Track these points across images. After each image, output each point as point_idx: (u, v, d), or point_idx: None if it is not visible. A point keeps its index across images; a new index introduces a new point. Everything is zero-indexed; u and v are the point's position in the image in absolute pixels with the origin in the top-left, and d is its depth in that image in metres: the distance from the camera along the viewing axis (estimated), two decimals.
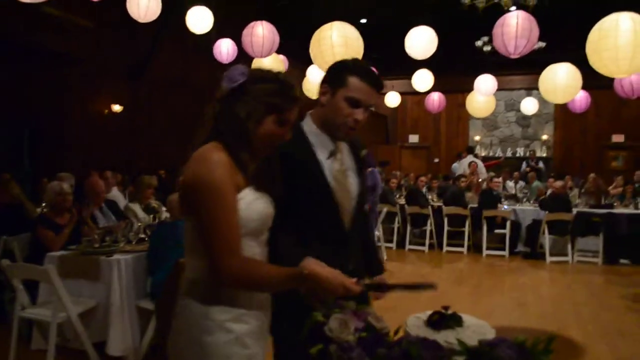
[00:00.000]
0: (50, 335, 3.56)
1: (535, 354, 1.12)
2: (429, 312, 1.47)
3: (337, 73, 1.82)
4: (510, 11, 5.53)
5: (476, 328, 1.40)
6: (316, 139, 1.83)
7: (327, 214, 1.82)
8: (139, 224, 4.64)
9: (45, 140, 8.87)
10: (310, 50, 5.90)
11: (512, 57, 5.58)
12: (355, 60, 1.87)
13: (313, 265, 1.46)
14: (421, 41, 6.27)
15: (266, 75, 1.57)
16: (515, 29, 5.33)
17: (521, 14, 5.36)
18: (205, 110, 1.58)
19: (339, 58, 5.91)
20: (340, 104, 1.77)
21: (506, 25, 5.42)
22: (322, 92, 1.84)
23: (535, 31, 5.38)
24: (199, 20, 7.07)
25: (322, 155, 1.83)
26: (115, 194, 6.65)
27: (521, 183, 11.80)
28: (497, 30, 5.51)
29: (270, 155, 1.60)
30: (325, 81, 1.84)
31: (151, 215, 4.96)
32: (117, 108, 10.28)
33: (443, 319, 1.40)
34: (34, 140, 8.79)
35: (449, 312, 1.43)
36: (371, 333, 1.22)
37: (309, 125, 1.87)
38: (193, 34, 7.33)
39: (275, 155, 1.62)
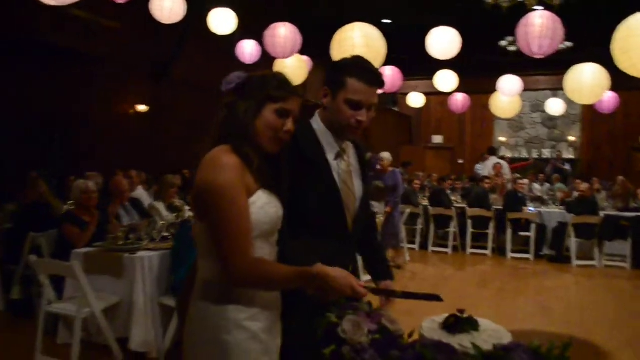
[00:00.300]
0: (75, 330, 3.64)
1: (551, 359, 1.11)
2: (445, 316, 1.46)
3: (336, 75, 1.81)
4: (534, 10, 5.45)
5: (492, 332, 1.38)
6: (324, 138, 1.83)
7: (332, 214, 1.82)
8: (163, 223, 4.71)
9: (73, 139, 9.05)
10: (332, 51, 5.91)
11: (536, 57, 5.51)
12: (353, 59, 1.85)
13: (322, 265, 1.48)
14: (443, 41, 6.23)
15: (265, 75, 1.63)
16: (539, 29, 5.27)
17: (545, 13, 5.29)
18: (214, 118, 1.63)
19: None
20: (341, 106, 1.76)
21: (530, 25, 5.36)
22: (323, 95, 1.84)
23: (560, 30, 5.31)
24: (222, 21, 7.15)
25: (330, 155, 1.84)
26: (140, 192, 6.75)
27: (547, 185, 11.62)
28: (520, 30, 5.45)
29: (278, 153, 1.61)
30: (325, 83, 1.83)
31: (174, 214, 5.02)
32: (141, 108, 10.44)
33: (458, 323, 1.39)
34: (62, 140, 8.97)
35: (465, 315, 1.41)
36: (385, 335, 1.22)
37: (318, 124, 1.87)
38: (217, 35, 7.41)
39: (282, 155, 1.63)
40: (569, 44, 11.89)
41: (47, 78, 8.42)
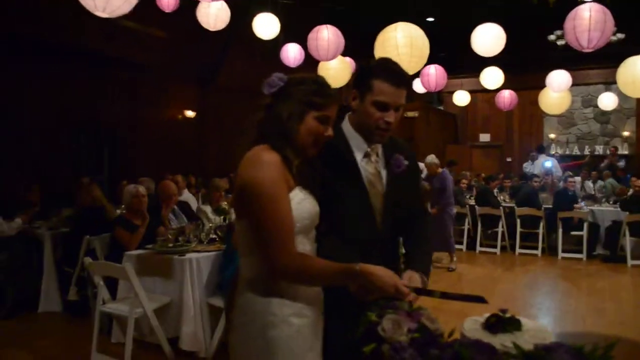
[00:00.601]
0: (128, 329, 3.78)
1: (594, 359, 1.09)
2: (487, 315, 1.45)
3: (363, 78, 1.82)
4: (583, 2, 5.27)
5: (535, 332, 1.36)
6: (353, 141, 1.85)
7: (360, 213, 1.83)
8: (210, 225, 4.82)
9: (122, 145, 9.38)
10: (375, 52, 5.89)
11: (586, 51, 5.32)
12: (379, 61, 1.86)
13: (365, 264, 1.50)
14: (487, 38, 6.11)
15: (304, 78, 1.65)
16: (588, 22, 5.09)
17: (594, 5, 5.11)
18: (249, 118, 1.67)
19: (404, 59, 5.82)
20: (369, 108, 1.78)
21: (578, 18, 5.18)
22: (352, 98, 1.85)
23: (610, 23, 5.11)
24: (266, 26, 7.24)
25: (358, 156, 1.86)
26: (188, 196, 6.93)
27: (600, 182, 11.20)
28: (568, 23, 5.28)
29: (314, 156, 1.65)
30: (354, 86, 1.85)
31: (221, 217, 5.14)
32: (189, 114, 10.72)
33: (500, 322, 1.37)
34: (112, 146, 9.32)
35: (507, 315, 1.39)
36: (424, 334, 1.23)
37: (347, 127, 1.90)
38: (261, 40, 7.53)
39: (316, 157, 1.66)
40: (620, 35, 11.45)
41: (98, 86, 8.77)
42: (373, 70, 1.80)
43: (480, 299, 1.51)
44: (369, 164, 1.87)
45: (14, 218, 5.21)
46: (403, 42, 5.79)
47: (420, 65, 5.87)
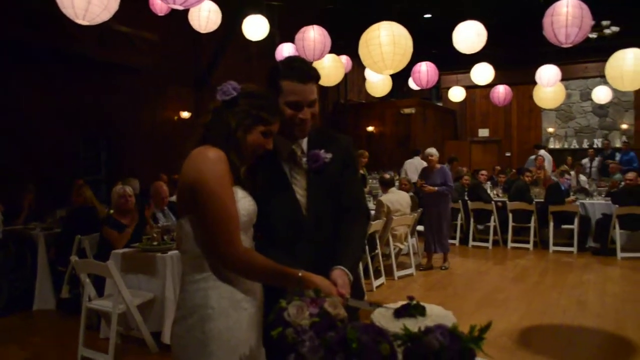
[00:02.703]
0: (112, 324, 3.94)
1: (466, 340, 1.20)
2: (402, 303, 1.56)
3: (272, 81, 1.84)
4: None
5: (437, 318, 1.47)
6: (276, 140, 1.83)
7: (288, 214, 1.89)
8: None
9: (120, 146, 9.56)
10: (359, 51, 6.00)
11: (564, 46, 5.40)
12: (284, 61, 1.88)
13: (307, 272, 1.62)
14: (469, 35, 6.19)
15: (256, 92, 1.75)
16: (565, 18, 5.17)
17: (571, 1, 5.18)
18: (197, 120, 1.77)
19: (387, 57, 5.89)
20: (283, 109, 1.81)
21: (556, 14, 5.27)
22: None
23: (588, 19, 5.19)
24: (255, 27, 7.36)
25: (283, 155, 1.91)
26: None
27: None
28: (546, 19, 5.37)
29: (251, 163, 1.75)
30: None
31: None
32: (185, 115, 10.87)
33: (406, 309, 1.49)
34: (109, 147, 9.50)
35: (414, 302, 1.51)
36: (324, 318, 1.35)
37: None
38: (257, 41, 7.66)
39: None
40: (615, 28, 11.47)
41: (95, 89, 8.94)
42: (279, 72, 1.83)
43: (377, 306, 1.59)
44: (293, 162, 1.92)
45: None
46: (386, 41, 5.87)
47: (404, 63, 5.95)
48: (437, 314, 1.53)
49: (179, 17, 6.82)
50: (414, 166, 10.91)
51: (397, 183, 7.79)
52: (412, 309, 1.50)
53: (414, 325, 1.36)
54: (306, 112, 1.84)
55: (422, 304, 1.52)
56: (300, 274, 1.60)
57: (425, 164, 7.79)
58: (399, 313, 1.49)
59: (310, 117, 1.85)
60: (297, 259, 1.76)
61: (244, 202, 1.69)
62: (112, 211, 5.02)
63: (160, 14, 6.60)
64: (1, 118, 7.67)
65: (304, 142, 1.95)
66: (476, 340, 1.21)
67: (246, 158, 1.72)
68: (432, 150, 7.24)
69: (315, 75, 1.85)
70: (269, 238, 1.85)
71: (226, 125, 1.69)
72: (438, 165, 7.18)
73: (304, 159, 1.93)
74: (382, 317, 1.49)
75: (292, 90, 1.81)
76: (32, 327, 5.07)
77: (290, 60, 1.89)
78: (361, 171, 8.49)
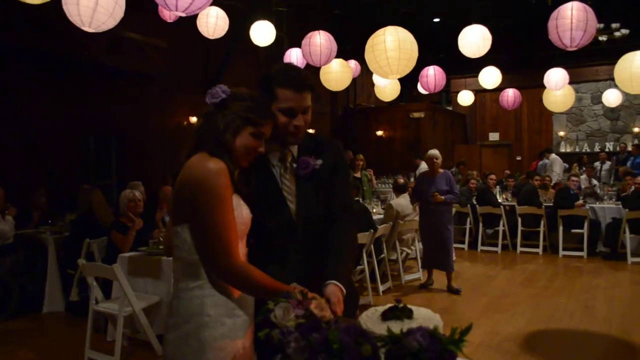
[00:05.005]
0: (118, 327, 3.99)
1: (445, 342, 1.22)
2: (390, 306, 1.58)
3: (266, 87, 1.86)
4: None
5: (424, 320, 1.49)
6: (268, 146, 1.85)
7: (278, 217, 1.90)
8: None
9: (130, 151, 9.67)
10: (365, 55, 6.04)
11: (569, 49, 5.40)
12: (279, 67, 1.89)
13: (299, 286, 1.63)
14: (474, 39, 6.20)
15: (245, 94, 1.76)
16: (570, 21, 5.17)
17: (575, 4, 5.19)
18: (190, 126, 1.80)
19: (392, 62, 5.91)
20: (277, 115, 1.83)
21: (560, 18, 5.27)
22: None
23: (592, 22, 5.18)
24: (262, 33, 7.44)
25: (273, 161, 1.93)
26: None
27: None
28: (551, 23, 5.37)
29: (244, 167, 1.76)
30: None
31: None
32: (194, 120, 10.95)
33: (393, 311, 1.52)
34: (120, 152, 9.62)
35: (401, 305, 1.53)
36: (310, 320, 1.37)
37: None
38: (265, 46, 7.74)
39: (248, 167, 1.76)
40: (624, 31, 11.39)
41: (106, 95, 9.06)
42: (274, 78, 1.84)
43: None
44: (284, 168, 1.94)
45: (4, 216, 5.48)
46: (391, 46, 5.90)
47: (410, 68, 5.98)
48: (424, 316, 1.54)
49: (188, 23, 6.93)
50: None
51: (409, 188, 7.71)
52: (398, 312, 1.52)
53: (400, 327, 1.39)
54: (300, 119, 1.85)
55: (409, 306, 1.54)
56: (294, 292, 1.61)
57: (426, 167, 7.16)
58: (386, 315, 1.51)
59: (304, 124, 1.87)
60: (287, 264, 1.78)
61: (240, 210, 1.71)
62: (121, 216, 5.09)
63: (169, 21, 6.72)
64: (14, 124, 7.81)
65: (295, 148, 1.96)
66: (456, 342, 1.23)
67: (238, 161, 1.72)
68: (436, 152, 6.37)
69: (310, 85, 1.87)
70: (260, 243, 1.87)
71: (215, 128, 1.70)
72: (441, 170, 6.35)
73: (294, 165, 1.94)
74: (369, 320, 1.51)
75: (286, 97, 1.82)
76: (41, 329, 5.15)
77: (285, 68, 1.91)
78: (357, 174, 8.49)
